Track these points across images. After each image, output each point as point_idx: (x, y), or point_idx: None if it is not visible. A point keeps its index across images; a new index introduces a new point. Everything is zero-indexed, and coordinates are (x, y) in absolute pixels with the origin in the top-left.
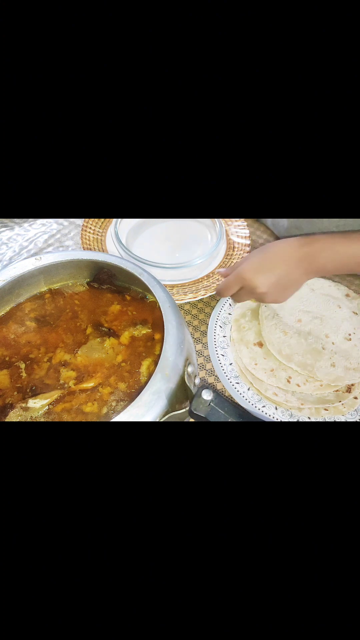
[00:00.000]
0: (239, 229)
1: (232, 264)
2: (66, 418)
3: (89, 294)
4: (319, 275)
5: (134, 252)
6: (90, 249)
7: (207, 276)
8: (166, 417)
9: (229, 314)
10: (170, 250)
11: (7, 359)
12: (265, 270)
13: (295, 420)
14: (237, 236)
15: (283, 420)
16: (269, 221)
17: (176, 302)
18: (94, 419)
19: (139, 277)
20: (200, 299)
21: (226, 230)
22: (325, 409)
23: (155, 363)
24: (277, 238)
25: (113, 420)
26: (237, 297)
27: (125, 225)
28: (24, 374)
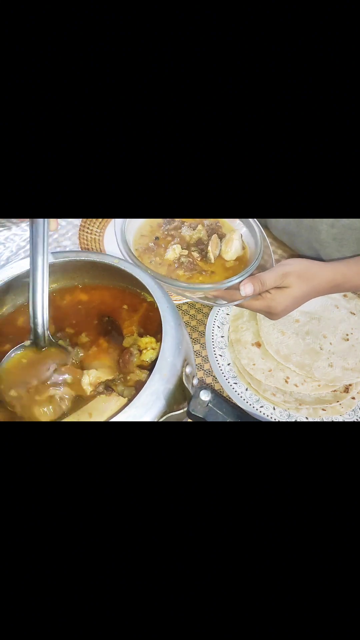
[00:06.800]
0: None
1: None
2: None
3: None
4: None
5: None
6: (88, 249)
7: None
8: (164, 417)
9: (227, 314)
10: None
11: None
12: (296, 306)
13: (293, 420)
14: None
15: (281, 420)
16: (269, 222)
17: (174, 302)
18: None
19: (137, 277)
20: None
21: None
22: (323, 409)
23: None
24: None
25: (111, 420)
26: (247, 306)
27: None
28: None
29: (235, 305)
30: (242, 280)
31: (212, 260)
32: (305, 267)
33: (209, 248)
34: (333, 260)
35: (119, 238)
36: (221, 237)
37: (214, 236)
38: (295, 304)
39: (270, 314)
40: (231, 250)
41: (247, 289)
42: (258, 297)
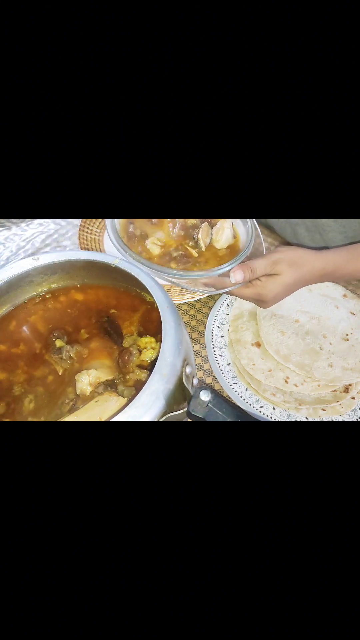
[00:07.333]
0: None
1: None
2: None
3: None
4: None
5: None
6: (88, 249)
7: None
8: (164, 418)
9: (227, 314)
10: None
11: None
12: (286, 294)
13: (293, 420)
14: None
15: (281, 420)
16: (274, 221)
17: (174, 302)
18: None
19: (136, 277)
20: (198, 299)
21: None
22: (323, 409)
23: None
24: (279, 237)
25: (111, 420)
26: (238, 293)
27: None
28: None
29: (225, 292)
30: (232, 268)
31: (203, 249)
32: (296, 255)
33: (200, 236)
34: (334, 247)
35: (109, 226)
36: (212, 225)
37: (205, 224)
38: (285, 291)
39: (261, 302)
40: (222, 239)
41: (237, 275)
42: (248, 284)
